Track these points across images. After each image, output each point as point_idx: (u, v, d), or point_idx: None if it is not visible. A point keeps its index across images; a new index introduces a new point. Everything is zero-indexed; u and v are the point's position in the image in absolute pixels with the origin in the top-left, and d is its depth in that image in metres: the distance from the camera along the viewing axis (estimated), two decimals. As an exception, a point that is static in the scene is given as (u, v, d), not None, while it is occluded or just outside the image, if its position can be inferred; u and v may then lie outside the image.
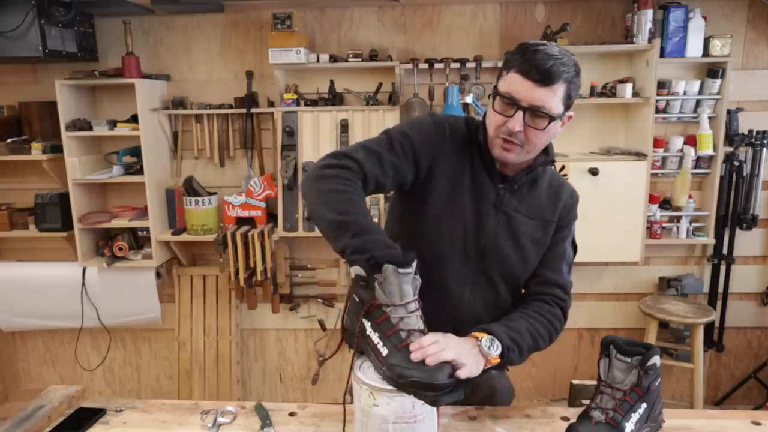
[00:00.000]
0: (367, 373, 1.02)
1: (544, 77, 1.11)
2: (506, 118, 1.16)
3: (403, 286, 1.01)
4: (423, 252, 1.15)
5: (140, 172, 2.78)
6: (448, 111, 2.62)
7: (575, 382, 1.37)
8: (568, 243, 1.37)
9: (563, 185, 1.38)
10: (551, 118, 1.15)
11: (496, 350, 1.11)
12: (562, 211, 1.34)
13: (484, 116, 1.26)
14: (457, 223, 1.25)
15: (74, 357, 3.32)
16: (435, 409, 1.04)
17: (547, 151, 1.30)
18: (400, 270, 1.00)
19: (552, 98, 1.13)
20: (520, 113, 1.14)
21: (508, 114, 1.16)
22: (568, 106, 1.18)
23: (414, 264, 1.02)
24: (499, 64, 2.71)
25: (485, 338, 1.11)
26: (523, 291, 1.39)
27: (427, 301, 1.07)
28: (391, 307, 1.01)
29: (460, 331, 1.11)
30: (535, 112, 1.14)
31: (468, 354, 1.04)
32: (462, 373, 0.99)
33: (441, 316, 1.10)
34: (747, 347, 3.16)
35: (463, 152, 1.27)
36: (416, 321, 1.02)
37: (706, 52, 2.68)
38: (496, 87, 1.19)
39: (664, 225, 2.89)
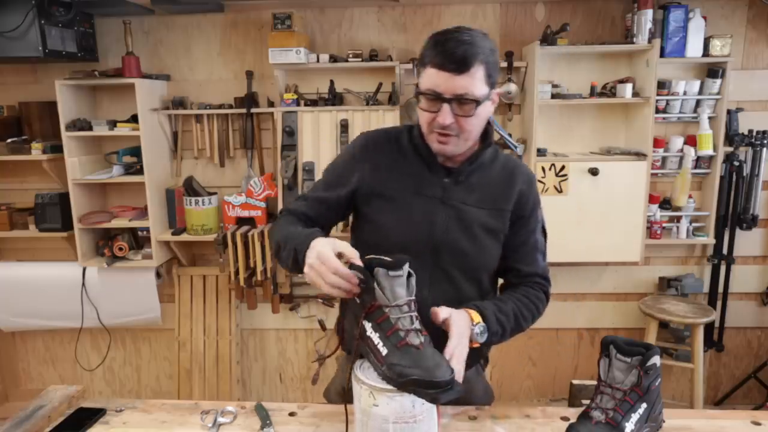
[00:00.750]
0: (367, 373, 1.02)
1: (459, 65, 1.11)
2: (434, 114, 1.16)
3: (395, 288, 1.03)
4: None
5: (140, 172, 2.78)
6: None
7: (575, 382, 1.37)
8: (538, 232, 1.35)
9: (517, 168, 1.34)
10: (477, 102, 1.15)
11: (482, 337, 1.14)
12: (520, 199, 1.31)
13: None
14: (406, 226, 1.26)
15: (74, 357, 3.32)
16: (435, 409, 1.04)
17: (487, 134, 1.29)
18: (390, 273, 1.02)
19: (473, 83, 1.13)
20: (446, 105, 1.14)
21: (434, 109, 1.16)
22: (491, 85, 1.18)
23: (405, 267, 1.04)
24: (500, 64, 2.76)
25: (479, 326, 1.14)
26: (501, 282, 1.41)
27: None
28: (389, 308, 1.02)
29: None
30: (460, 101, 1.14)
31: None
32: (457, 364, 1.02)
33: None
34: (747, 347, 3.16)
35: (399, 158, 1.29)
36: (410, 322, 1.02)
37: (706, 52, 2.68)
38: (417, 86, 1.20)
39: (664, 225, 2.89)
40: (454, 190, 1.27)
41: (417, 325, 1.03)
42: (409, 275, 1.05)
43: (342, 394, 1.37)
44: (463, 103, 1.14)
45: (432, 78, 1.14)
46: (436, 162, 1.27)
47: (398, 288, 1.03)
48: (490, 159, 1.30)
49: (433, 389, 0.95)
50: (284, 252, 1.20)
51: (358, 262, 1.05)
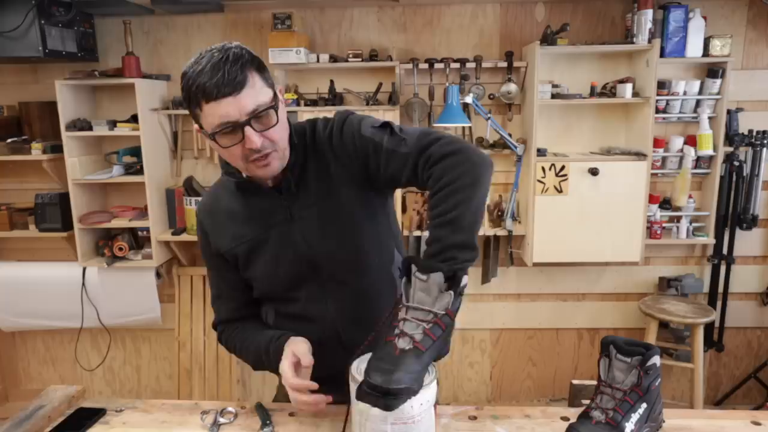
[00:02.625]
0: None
1: (233, 87, 1.01)
2: (241, 144, 1.06)
3: (416, 291, 1.00)
4: (277, 303, 1.30)
5: (140, 172, 2.78)
6: (448, 111, 2.62)
7: (575, 382, 1.37)
8: (380, 138, 1.14)
9: (317, 136, 1.21)
10: (274, 108, 1.07)
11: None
12: (343, 152, 1.17)
13: (225, 164, 1.22)
14: (277, 264, 1.23)
15: (74, 357, 3.32)
16: (433, 409, 1.04)
17: (291, 134, 1.18)
18: (416, 273, 1.00)
19: (255, 94, 1.04)
20: (247, 128, 1.04)
21: (237, 140, 1.05)
22: (272, 85, 1.09)
23: (434, 275, 0.98)
24: (500, 64, 2.77)
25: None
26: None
27: (301, 334, 1.21)
28: (403, 306, 1.01)
29: (341, 367, 1.07)
30: (257, 117, 1.05)
31: None
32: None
33: (329, 356, 1.18)
34: (747, 347, 3.16)
35: (235, 206, 1.24)
36: (414, 328, 0.99)
37: (706, 52, 2.68)
38: (202, 128, 1.09)
39: (664, 225, 2.89)
40: (293, 203, 1.20)
41: (420, 336, 0.98)
42: (450, 291, 0.99)
43: None
44: (261, 116, 1.05)
45: (216, 111, 1.02)
46: (265, 189, 1.20)
47: (419, 292, 1.00)
48: (302, 150, 1.20)
49: (376, 394, 0.91)
50: (267, 369, 1.27)
51: (309, 368, 1.14)
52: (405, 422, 0.99)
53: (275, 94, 1.09)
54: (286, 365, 1.13)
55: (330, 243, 1.21)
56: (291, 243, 1.21)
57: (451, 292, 0.99)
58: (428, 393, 1.01)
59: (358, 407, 1.02)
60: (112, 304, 3.05)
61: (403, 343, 0.98)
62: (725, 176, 2.83)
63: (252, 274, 1.27)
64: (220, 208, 1.27)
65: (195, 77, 1.03)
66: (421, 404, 0.99)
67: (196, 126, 1.12)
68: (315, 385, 1.12)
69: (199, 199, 2.83)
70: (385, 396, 0.91)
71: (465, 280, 1.00)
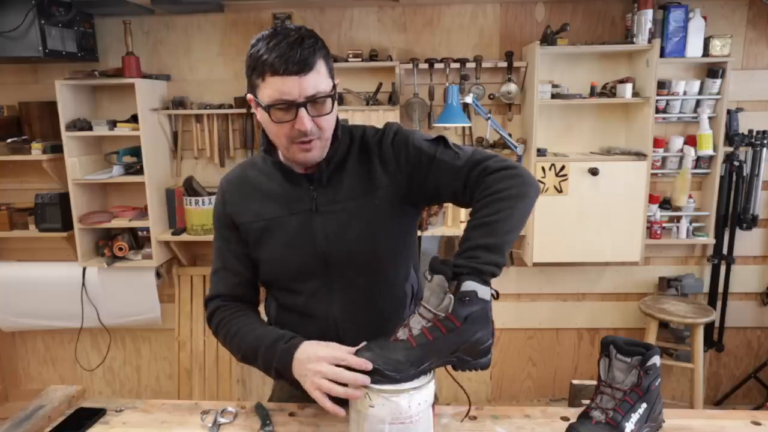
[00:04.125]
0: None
1: (302, 66, 1.03)
2: (290, 122, 1.08)
3: (426, 290, 1.03)
4: (280, 293, 1.28)
5: (140, 172, 2.78)
6: (448, 111, 2.62)
7: (575, 382, 1.37)
8: (440, 152, 1.16)
9: (368, 140, 1.22)
10: (331, 99, 1.09)
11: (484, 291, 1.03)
12: (397, 158, 1.18)
13: (265, 137, 1.22)
14: (290, 251, 1.20)
15: (74, 357, 3.32)
16: (431, 409, 1.04)
17: (336, 128, 1.19)
18: (426, 274, 1.02)
19: (318, 80, 1.06)
20: (302, 110, 1.06)
21: (289, 118, 1.07)
22: (333, 76, 1.12)
23: (435, 279, 1.01)
24: (500, 64, 2.77)
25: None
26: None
27: (300, 328, 1.17)
28: (419, 304, 1.04)
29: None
30: (314, 102, 1.07)
31: None
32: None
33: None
34: (747, 347, 3.16)
35: (261, 185, 1.24)
36: (417, 322, 1.02)
37: (706, 52, 2.68)
38: (257, 99, 1.11)
39: (664, 225, 2.89)
40: (322, 196, 1.19)
41: (417, 331, 1.01)
42: (447, 293, 1.01)
43: None
44: (317, 102, 1.08)
45: (277, 86, 1.05)
46: (297, 175, 1.20)
47: (427, 291, 1.02)
48: (347, 147, 1.21)
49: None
50: (255, 364, 1.17)
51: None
52: (403, 422, 0.99)
53: (334, 86, 1.12)
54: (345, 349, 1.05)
55: (349, 243, 1.19)
56: (309, 234, 1.19)
57: (450, 296, 1.00)
58: (426, 393, 1.01)
59: (356, 407, 1.02)
60: (112, 304, 3.05)
61: (401, 334, 1.03)
62: (725, 176, 2.84)
63: (261, 255, 1.25)
64: (247, 182, 1.26)
65: (267, 49, 1.04)
66: (419, 404, 0.99)
67: (249, 96, 1.14)
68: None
69: (199, 198, 2.83)
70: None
71: (474, 286, 0.98)
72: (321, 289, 1.23)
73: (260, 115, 1.12)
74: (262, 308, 1.36)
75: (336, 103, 1.13)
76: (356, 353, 1.02)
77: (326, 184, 1.20)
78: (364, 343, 1.06)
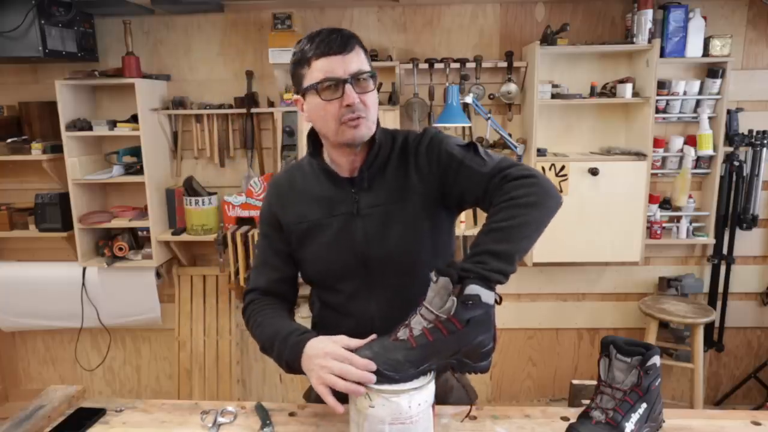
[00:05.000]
0: None
1: (344, 46, 1.14)
2: (339, 100, 1.14)
3: (430, 292, 1.03)
4: (322, 291, 1.32)
5: (140, 172, 2.78)
6: (448, 111, 2.62)
7: (575, 382, 1.37)
8: (467, 158, 1.20)
9: (407, 141, 1.27)
10: (373, 75, 1.18)
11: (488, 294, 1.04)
12: (430, 162, 1.22)
13: (311, 136, 1.29)
14: (329, 251, 1.25)
15: (74, 357, 3.32)
16: (431, 409, 1.04)
17: (377, 125, 1.24)
18: (432, 275, 1.02)
19: (360, 60, 1.16)
20: (347, 86, 1.14)
21: (337, 96, 1.14)
22: (373, 69, 1.20)
23: (441, 281, 1.01)
24: (500, 64, 2.77)
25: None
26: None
27: (339, 326, 1.19)
28: (421, 305, 1.04)
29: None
30: (358, 79, 1.15)
31: None
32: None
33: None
34: (747, 347, 3.16)
35: (307, 187, 1.29)
36: (418, 322, 1.03)
37: (706, 52, 2.68)
38: (305, 87, 1.17)
39: (664, 225, 2.89)
40: (364, 198, 1.24)
41: (418, 331, 1.01)
42: (451, 295, 1.01)
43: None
44: (361, 80, 1.16)
45: (323, 67, 1.14)
46: (341, 178, 1.25)
47: (431, 292, 1.03)
48: (387, 151, 1.26)
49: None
50: (272, 355, 1.21)
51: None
52: (403, 422, 0.99)
53: (375, 76, 1.19)
54: (345, 341, 1.08)
55: (388, 245, 1.23)
56: (350, 235, 1.24)
57: (453, 299, 1.00)
58: (426, 393, 1.01)
59: (356, 407, 1.02)
60: (112, 304, 3.05)
61: (401, 334, 1.03)
62: (725, 176, 2.84)
63: (303, 255, 1.29)
64: (293, 185, 1.31)
65: (309, 41, 1.16)
66: (419, 404, 0.99)
67: (296, 96, 1.23)
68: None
69: (199, 198, 2.83)
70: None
71: (477, 290, 0.99)
72: (360, 288, 1.26)
73: (308, 105, 1.19)
74: (305, 307, 1.41)
75: (378, 84, 1.20)
76: (357, 352, 1.03)
77: (367, 188, 1.24)
78: (372, 336, 1.07)
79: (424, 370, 1.01)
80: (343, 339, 1.08)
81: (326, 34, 1.14)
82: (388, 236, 1.22)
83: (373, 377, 0.99)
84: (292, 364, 1.14)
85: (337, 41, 1.13)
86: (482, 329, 1.02)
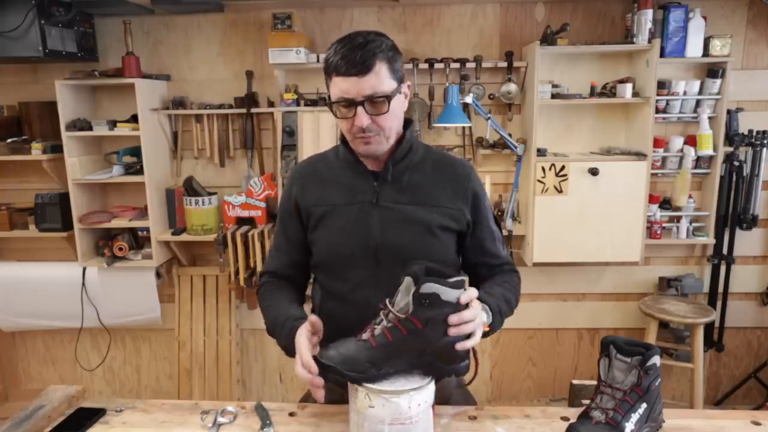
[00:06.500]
0: None
1: (360, 68, 1.15)
2: (351, 119, 1.20)
3: (398, 295, 1.05)
4: (328, 278, 1.34)
5: (140, 172, 2.78)
6: (448, 111, 2.62)
7: (575, 382, 1.37)
8: (492, 222, 1.39)
9: (460, 165, 1.36)
10: (388, 98, 1.19)
11: (488, 319, 1.18)
12: (475, 199, 1.33)
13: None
14: (343, 235, 1.28)
15: (74, 357, 3.32)
16: (431, 409, 1.04)
17: (406, 128, 1.32)
18: (404, 279, 1.04)
19: (378, 81, 1.17)
20: (359, 108, 1.17)
21: (350, 115, 1.20)
22: (399, 79, 1.23)
23: (405, 281, 1.05)
24: (500, 64, 2.77)
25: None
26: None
27: (341, 316, 1.26)
28: (385, 307, 1.06)
29: None
30: (371, 101, 1.18)
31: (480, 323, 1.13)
32: (472, 342, 1.09)
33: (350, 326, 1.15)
34: (747, 347, 3.16)
35: (329, 174, 1.34)
36: (380, 323, 1.05)
37: (706, 52, 2.68)
38: (328, 97, 1.24)
39: (664, 225, 2.89)
40: (385, 192, 1.28)
41: (379, 331, 1.04)
42: (413, 294, 1.03)
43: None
44: (375, 102, 1.18)
45: (339, 85, 1.18)
46: (364, 168, 1.30)
47: (398, 294, 1.05)
48: (420, 158, 1.32)
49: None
50: (275, 339, 1.28)
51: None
52: (402, 422, 0.99)
53: (398, 89, 1.23)
54: (304, 337, 1.13)
55: (402, 239, 1.26)
56: (365, 224, 1.27)
57: (410, 297, 1.01)
58: (426, 394, 1.02)
59: (356, 407, 1.02)
60: (112, 304, 3.05)
61: (364, 335, 1.06)
62: (725, 176, 2.83)
63: (316, 237, 1.32)
64: (315, 171, 1.37)
65: (335, 52, 1.18)
66: (419, 405, 0.99)
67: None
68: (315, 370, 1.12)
69: (199, 198, 2.83)
70: (319, 365, 1.03)
71: (435, 288, 1.01)
72: (368, 279, 1.28)
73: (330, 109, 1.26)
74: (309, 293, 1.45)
75: (398, 102, 1.23)
76: (322, 350, 1.07)
77: (391, 182, 1.29)
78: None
79: (388, 371, 1.01)
80: (308, 332, 1.14)
81: (349, 50, 1.16)
82: (403, 232, 1.26)
83: (310, 375, 1.05)
84: (287, 349, 1.20)
85: (355, 62, 1.15)
86: (445, 328, 1.03)
